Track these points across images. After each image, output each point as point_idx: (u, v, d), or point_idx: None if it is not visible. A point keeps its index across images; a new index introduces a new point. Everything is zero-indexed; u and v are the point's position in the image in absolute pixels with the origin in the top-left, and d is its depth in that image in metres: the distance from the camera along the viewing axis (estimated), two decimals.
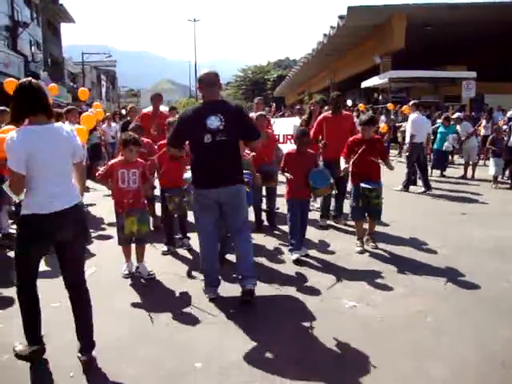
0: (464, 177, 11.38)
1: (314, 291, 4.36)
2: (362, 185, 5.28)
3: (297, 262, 5.09)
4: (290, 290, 4.37)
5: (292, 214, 5.23)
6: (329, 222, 6.78)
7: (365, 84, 25.48)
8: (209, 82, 4.06)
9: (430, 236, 6.05)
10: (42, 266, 5.08)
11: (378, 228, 6.17)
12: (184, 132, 4.07)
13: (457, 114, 13.57)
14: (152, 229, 6.03)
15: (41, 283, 3.23)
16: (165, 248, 5.62)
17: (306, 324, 3.68)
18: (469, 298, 4.21)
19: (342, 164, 5.62)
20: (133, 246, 4.89)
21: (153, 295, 4.38)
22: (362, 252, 5.43)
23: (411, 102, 10.81)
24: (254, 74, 65.28)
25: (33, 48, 30.34)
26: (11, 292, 3.80)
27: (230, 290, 4.34)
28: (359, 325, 3.68)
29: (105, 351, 3.24)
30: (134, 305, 4.17)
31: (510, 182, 10.33)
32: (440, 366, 3.10)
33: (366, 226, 5.76)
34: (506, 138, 10.59)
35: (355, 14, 21.46)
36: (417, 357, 3.22)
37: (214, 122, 3.89)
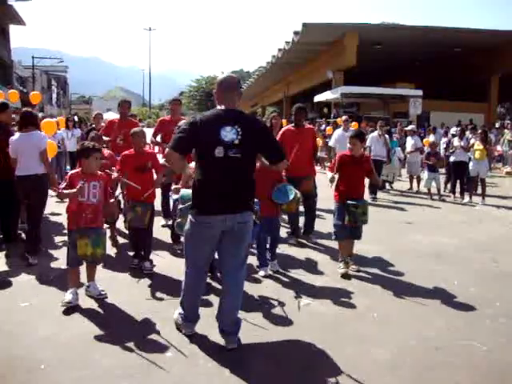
0: (410, 189, 12.04)
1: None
2: (349, 202, 5.08)
3: (265, 277, 4.99)
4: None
5: (259, 234, 4.83)
6: (300, 240, 6.45)
7: (317, 98, 26.30)
8: (230, 86, 3.46)
9: (376, 242, 6.41)
10: (4, 266, 5.19)
11: (325, 236, 6.55)
12: (193, 138, 3.30)
13: (410, 127, 14.26)
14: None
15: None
16: (135, 261, 5.18)
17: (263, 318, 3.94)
18: (409, 295, 4.59)
19: (328, 173, 5.45)
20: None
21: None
22: (346, 276, 5.08)
23: (343, 117, 11.62)
24: (208, 84, 65.62)
25: None
26: None
27: None
28: (314, 319, 4.00)
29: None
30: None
31: (452, 195, 11.02)
32: (382, 350, 3.45)
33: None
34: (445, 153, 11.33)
35: (310, 30, 22.27)
36: (363, 344, 3.56)
37: (228, 133, 3.24)
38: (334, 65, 25.06)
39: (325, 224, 6.94)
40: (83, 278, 4.39)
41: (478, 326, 3.94)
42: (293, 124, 6.53)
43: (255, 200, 3.65)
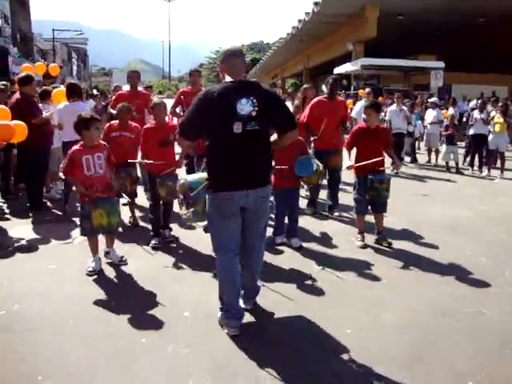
0: (429, 162, 12.00)
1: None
2: (372, 177, 5.01)
3: (280, 245, 5.08)
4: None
5: (278, 204, 5.05)
6: (319, 212, 6.52)
7: (337, 70, 25.94)
8: (234, 53, 3.30)
9: (391, 214, 6.46)
10: (31, 232, 5.48)
11: (343, 206, 6.63)
12: (205, 119, 3.15)
13: (433, 99, 14.01)
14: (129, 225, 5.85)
15: None
16: (153, 241, 5.07)
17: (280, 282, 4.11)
18: (421, 264, 4.71)
19: (346, 156, 5.36)
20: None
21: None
22: (364, 247, 5.15)
23: (367, 89, 11.44)
24: None
25: (0, 21, 29.48)
26: None
27: None
28: (326, 284, 4.16)
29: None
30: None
31: (470, 168, 10.96)
32: (390, 314, 3.61)
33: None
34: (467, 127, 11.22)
35: (330, 1, 21.81)
36: (372, 308, 3.72)
37: (245, 106, 3.08)
38: (355, 36, 24.60)
39: (345, 196, 7.00)
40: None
41: (485, 294, 4.05)
42: (325, 95, 6.46)
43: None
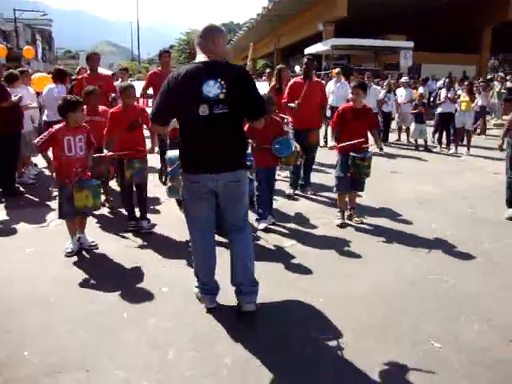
0: (398, 140, 12.25)
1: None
2: (353, 154, 5.09)
3: (264, 231, 5.04)
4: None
5: (259, 183, 5.03)
6: (297, 192, 6.61)
7: (308, 50, 26.00)
8: (210, 34, 3.12)
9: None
10: (5, 217, 5.45)
11: (323, 188, 6.78)
12: (172, 102, 3.07)
13: (404, 79, 14.13)
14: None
15: None
16: (130, 224, 5.05)
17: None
18: (391, 238, 4.92)
19: (329, 136, 5.38)
20: None
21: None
22: (343, 225, 5.24)
23: (336, 70, 11.58)
24: None
25: None
26: None
27: None
28: (300, 257, 4.33)
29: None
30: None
31: (438, 145, 11.27)
32: (361, 285, 3.79)
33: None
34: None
35: None
36: (344, 279, 3.90)
37: (212, 88, 2.96)
38: (325, 17, 24.71)
39: (323, 177, 7.14)
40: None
41: (449, 263, 4.29)
42: (301, 76, 6.53)
43: (248, 152, 3.44)
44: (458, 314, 3.37)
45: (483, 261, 4.35)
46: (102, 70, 8.01)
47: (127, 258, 4.31)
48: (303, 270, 4.07)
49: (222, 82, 2.98)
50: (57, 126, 4.36)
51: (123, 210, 5.41)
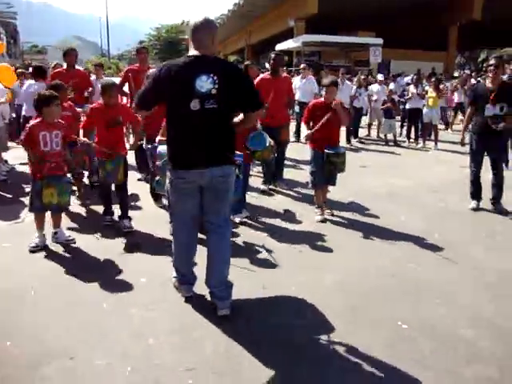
0: (368, 135, 12.53)
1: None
2: (328, 151, 5.17)
3: (238, 224, 5.12)
4: None
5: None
6: (272, 187, 6.70)
7: (279, 47, 26.13)
8: (203, 28, 3.11)
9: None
10: None
11: (297, 185, 6.90)
12: (161, 92, 3.07)
13: (380, 76, 14.31)
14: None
15: None
16: (105, 219, 5.07)
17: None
18: (362, 227, 5.12)
19: (304, 130, 5.39)
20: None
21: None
22: (323, 221, 5.33)
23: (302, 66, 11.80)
24: (168, 33, 63.61)
25: None
26: None
27: None
28: (273, 250, 4.47)
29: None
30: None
31: (407, 140, 11.58)
32: (330, 276, 3.95)
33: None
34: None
35: None
36: (314, 270, 4.05)
37: (204, 83, 2.96)
38: (296, 13, 24.86)
39: (296, 172, 7.26)
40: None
41: (417, 252, 4.51)
42: (269, 72, 6.49)
43: (237, 152, 3.48)
44: (427, 298, 3.57)
45: (446, 249, 4.57)
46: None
47: (104, 251, 4.36)
48: (276, 263, 4.19)
49: (215, 78, 2.97)
50: (33, 122, 4.38)
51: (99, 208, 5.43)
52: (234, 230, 4.95)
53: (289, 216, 5.56)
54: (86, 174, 6.40)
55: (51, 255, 4.28)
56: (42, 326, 3.11)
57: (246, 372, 2.68)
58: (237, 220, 5.16)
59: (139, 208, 5.75)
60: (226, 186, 3.23)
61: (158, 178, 4.18)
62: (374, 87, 12.31)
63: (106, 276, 3.85)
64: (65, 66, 7.48)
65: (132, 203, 5.72)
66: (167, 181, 3.33)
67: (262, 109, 3.33)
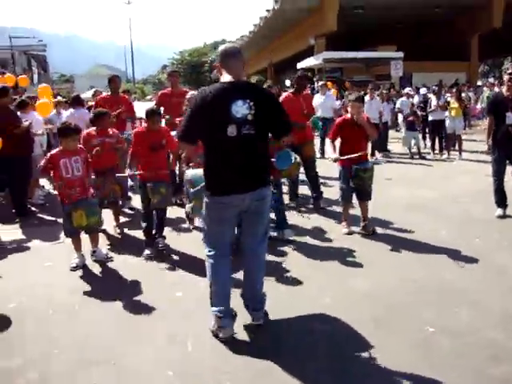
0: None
1: None
2: (356, 166, 5.24)
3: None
4: None
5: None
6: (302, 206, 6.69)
7: (300, 65, 26.49)
8: (234, 53, 3.19)
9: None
10: (21, 235, 5.73)
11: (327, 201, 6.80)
12: (200, 120, 3.05)
13: (407, 89, 14.37)
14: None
15: None
16: (147, 251, 4.94)
17: None
18: (389, 239, 5.22)
19: (329, 147, 5.45)
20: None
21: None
22: (350, 233, 5.39)
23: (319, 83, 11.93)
24: (191, 56, 64.98)
25: None
26: None
27: None
28: (305, 258, 4.67)
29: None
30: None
31: (431, 152, 11.59)
32: (362, 281, 4.11)
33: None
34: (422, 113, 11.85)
35: None
36: (343, 282, 4.18)
37: (240, 108, 2.98)
38: (316, 31, 25.21)
39: (327, 190, 7.24)
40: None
41: (440, 259, 4.62)
42: (292, 91, 6.61)
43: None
44: (455, 304, 3.66)
45: (473, 257, 4.64)
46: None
47: (140, 268, 4.60)
48: (304, 276, 4.26)
49: (251, 103, 3.00)
50: (53, 151, 4.69)
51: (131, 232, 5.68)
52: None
53: (317, 230, 5.65)
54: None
55: (90, 272, 4.54)
56: (86, 335, 3.34)
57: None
58: (285, 238, 5.20)
59: (174, 228, 5.82)
60: (265, 208, 3.28)
61: (192, 203, 4.06)
62: (401, 100, 12.31)
63: (143, 290, 4.07)
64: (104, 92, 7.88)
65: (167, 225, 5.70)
66: (203, 207, 3.29)
67: (290, 134, 3.39)
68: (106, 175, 5.31)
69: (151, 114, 5.00)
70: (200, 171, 3.58)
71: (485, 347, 3.06)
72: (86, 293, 4.07)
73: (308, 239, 5.36)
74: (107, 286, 4.19)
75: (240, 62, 3.18)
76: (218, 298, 3.26)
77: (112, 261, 4.79)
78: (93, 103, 8.58)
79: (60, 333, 3.40)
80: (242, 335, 3.27)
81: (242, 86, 3.11)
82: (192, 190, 3.79)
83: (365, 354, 3.00)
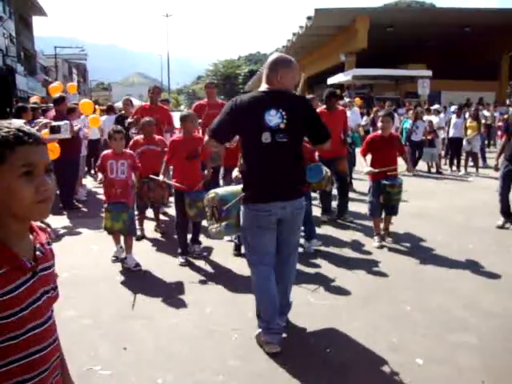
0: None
1: None
2: (384, 182, 5.41)
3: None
4: None
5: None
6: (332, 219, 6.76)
7: (331, 81, 27.16)
8: (276, 70, 3.16)
9: None
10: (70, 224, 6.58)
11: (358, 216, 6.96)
12: (235, 124, 3.17)
13: (436, 106, 14.70)
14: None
15: None
16: (181, 259, 5.03)
17: None
18: (414, 252, 5.46)
19: (362, 162, 5.69)
20: None
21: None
22: (381, 247, 5.53)
23: (347, 100, 12.41)
24: (225, 68, 66.29)
25: (6, 41, 30.49)
26: None
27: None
28: (324, 260, 5.21)
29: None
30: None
31: (449, 168, 12.10)
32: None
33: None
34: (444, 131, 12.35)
35: (321, 15, 23.13)
36: (372, 298, 4.69)
37: (273, 117, 3.07)
38: (346, 48, 25.87)
39: (358, 204, 7.41)
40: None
41: (438, 258, 5.23)
42: (325, 107, 6.73)
43: None
44: (453, 301, 4.13)
45: (464, 258, 5.22)
46: (133, 101, 9.26)
47: (173, 277, 4.66)
48: (336, 290, 4.36)
49: (283, 113, 3.08)
50: (104, 152, 5.09)
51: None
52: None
53: (347, 244, 5.77)
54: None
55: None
56: (125, 295, 4.12)
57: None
58: (312, 249, 5.33)
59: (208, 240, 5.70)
60: (301, 218, 3.36)
61: (225, 222, 3.55)
62: (432, 118, 12.52)
63: (172, 303, 4.07)
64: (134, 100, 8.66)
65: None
66: (242, 219, 3.28)
67: (329, 140, 3.39)
68: (155, 180, 5.32)
69: (186, 117, 5.09)
70: (227, 188, 3.76)
71: (447, 321, 3.69)
72: (124, 269, 4.84)
73: (339, 251, 5.50)
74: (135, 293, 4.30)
75: (281, 75, 3.15)
76: (267, 312, 3.24)
77: (140, 271, 4.81)
78: (122, 111, 8.97)
79: (104, 294, 4.21)
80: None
81: (276, 95, 3.15)
82: (224, 207, 3.46)
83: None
